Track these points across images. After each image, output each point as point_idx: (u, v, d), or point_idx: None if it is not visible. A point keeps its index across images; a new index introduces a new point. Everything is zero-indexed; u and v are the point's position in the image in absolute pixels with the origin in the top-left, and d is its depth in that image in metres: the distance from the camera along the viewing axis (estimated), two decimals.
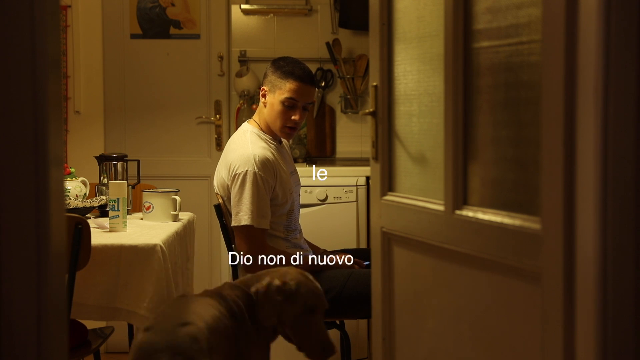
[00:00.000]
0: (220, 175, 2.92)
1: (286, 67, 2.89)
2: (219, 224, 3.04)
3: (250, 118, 3.04)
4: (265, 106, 2.93)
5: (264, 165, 2.80)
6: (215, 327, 1.99)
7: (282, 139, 3.05)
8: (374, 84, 2.05)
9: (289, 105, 2.86)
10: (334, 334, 3.15)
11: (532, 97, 1.47)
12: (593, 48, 1.27)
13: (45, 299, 1.02)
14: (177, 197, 3.19)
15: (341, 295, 2.85)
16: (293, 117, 2.87)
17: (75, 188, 3.30)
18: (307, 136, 4.43)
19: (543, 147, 1.39)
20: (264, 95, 2.92)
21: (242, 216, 2.79)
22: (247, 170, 2.79)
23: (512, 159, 1.55)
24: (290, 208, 2.92)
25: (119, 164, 3.41)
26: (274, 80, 2.89)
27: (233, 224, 2.82)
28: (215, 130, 4.45)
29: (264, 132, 2.94)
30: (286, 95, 2.86)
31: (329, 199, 3.81)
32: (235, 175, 2.81)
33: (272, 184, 2.82)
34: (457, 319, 1.74)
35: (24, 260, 1.01)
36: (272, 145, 2.93)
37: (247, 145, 2.87)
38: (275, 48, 4.46)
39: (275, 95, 2.88)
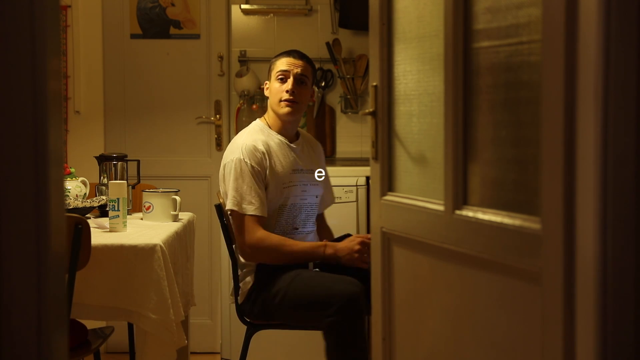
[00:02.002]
0: (220, 171, 2.97)
1: (277, 55, 3.05)
2: (219, 224, 3.04)
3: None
4: (269, 97, 3.00)
5: (251, 152, 2.84)
6: None
7: (305, 141, 3.05)
8: (374, 84, 2.05)
9: (281, 79, 2.94)
10: None
11: (532, 97, 1.47)
12: (593, 48, 1.27)
13: (45, 299, 1.02)
14: (177, 197, 3.18)
15: (285, 299, 2.78)
16: (286, 89, 2.92)
17: (75, 188, 3.30)
18: None
19: (543, 147, 1.39)
20: (267, 88, 3.01)
21: (227, 201, 2.86)
22: (233, 158, 2.86)
23: (512, 159, 1.55)
24: (282, 203, 2.91)
25: (119, 164, 3.41)
26: (269, 69, 3.02)
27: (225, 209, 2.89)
28: (215, 130, 4.45)
29: (271, 128, 2.97)
30: (277, 70, 2.96)
31: None
32: (224, 165, 2.90)
33: (262, 171, 2.83)
34: (457, 319, 1.74)
35: (24, 260, 1.01)
36: (276, 139, 2.94)
37: (242, 136, 2.94)
38: (275, 48, 4.45)
39: (271, 79, 2.99)
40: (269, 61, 2.92)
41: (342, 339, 2.62)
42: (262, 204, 2.82)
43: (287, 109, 2.92)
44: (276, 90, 2.94)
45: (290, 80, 2.92)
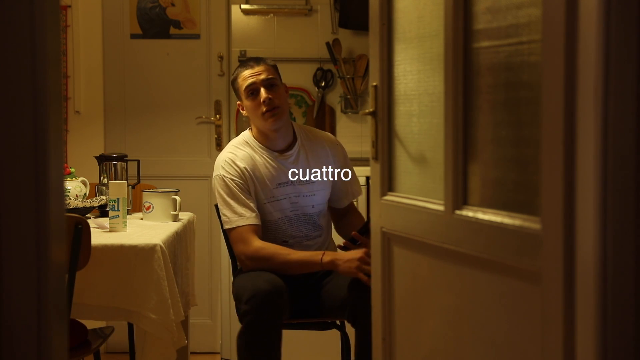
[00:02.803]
0: None
1: (233, 73, 2.94)
2: (219, 224, 3.04)
3: (249, 118, 3.03)
4: (249, 116, 2.91)
5: (229, 166, 2.80)
6: None
7: (305, 145, 2.91)
8: (374, 84, 2.05)
9: (252, 93, 2.82)
10: (334, 334, 3.15)
11: (532, 97, 1.47)
12: (593, 48, 1.27)
13: (45, 299, 1.02)
14: (177, 197, 3.19)
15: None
16: (262, 100, 2.80)
17: (75, 188, 3.30)
18: None
19: (543, 147, 1.39)
20: (243, 108, 2.91)
21: (223, 221, 2.81)
22: (215, 176, 2.83)
23: (512, 159, 1.55)
24: (266, 219, 2.85)
25: (119, 164, 3.41)
26: (235, 90, 2.92)
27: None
28: (215, 130, 4.45)
29: (257, 140, 2.89)
30: (244, 87, 2.84)
31: None
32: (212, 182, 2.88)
33: (244, 183, 2.79)
34: (457, 319, 1.74)
35: (24, 260, 1.01)
36: (262, 152, 2.86)
37: (225, 150, 2.89)
38: (275, 48, 4.46)
39: (242, 97, 2.88)
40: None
41: (243, 331, 2.61)
42: (252, 213, 2.77)
43: (272, 119, 2.81)
44: (253, 107, 2.83)
45: (261, 91, 2.82)
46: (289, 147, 2.90)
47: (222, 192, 2.79)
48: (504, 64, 1.57)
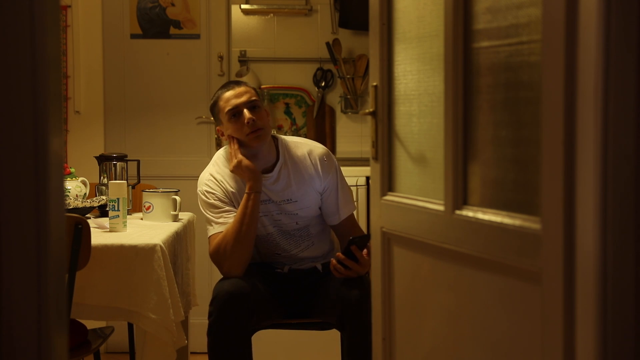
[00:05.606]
0: None
1: (213, 97, 2.86)
2: None
3: None
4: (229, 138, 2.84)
5: (210, 181, 2.82)
6: None
7: (287, 166, 2.84)
8: (374, 84, 2.05)
9: (235, 115, 2.75)
10: (334, 334, 3.15)
11: (532, 97, 1.47)
12: (593, 48, 1.27)
13: (45, 299, 1.02)
14: (177, 197, 3.19)
15: None
16: (245, 122, 2.72)
17: (75, 188, 3.30)
18: (307, 136, 4.43)
19: (543, 147, 1.39)
20: (222, 133, 2.84)
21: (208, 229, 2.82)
22: (198, 192, 2.84)
23: (512, 159, 1.55)
24: None
25: (119, 164, 3.41)
26: (215, 113, 2.85)
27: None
28: (215, 131, 4.45)
29: None
30: (226, 109, 2.76)
31: None
32: None
33: (223, 196, 2.80)
34: (457, 318, 1.74)
35: (24, 260, 1.01)
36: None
37: (207, 168, 2.89)
38: (275, 48, 4.46)
39: (224, 121, 2.79)
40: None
41: (207, 331, 2.65)
42: (227, 220, 2.77)
43: (256, 141, 2.74)
44: (235, 129, 2.75)
45: (244, 112, 2.73)
46: (270, 168, 2.83)
47: (205, 207, 2.82)
48: (503, 64, 1.57)
